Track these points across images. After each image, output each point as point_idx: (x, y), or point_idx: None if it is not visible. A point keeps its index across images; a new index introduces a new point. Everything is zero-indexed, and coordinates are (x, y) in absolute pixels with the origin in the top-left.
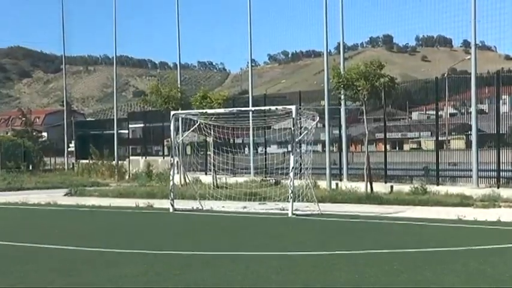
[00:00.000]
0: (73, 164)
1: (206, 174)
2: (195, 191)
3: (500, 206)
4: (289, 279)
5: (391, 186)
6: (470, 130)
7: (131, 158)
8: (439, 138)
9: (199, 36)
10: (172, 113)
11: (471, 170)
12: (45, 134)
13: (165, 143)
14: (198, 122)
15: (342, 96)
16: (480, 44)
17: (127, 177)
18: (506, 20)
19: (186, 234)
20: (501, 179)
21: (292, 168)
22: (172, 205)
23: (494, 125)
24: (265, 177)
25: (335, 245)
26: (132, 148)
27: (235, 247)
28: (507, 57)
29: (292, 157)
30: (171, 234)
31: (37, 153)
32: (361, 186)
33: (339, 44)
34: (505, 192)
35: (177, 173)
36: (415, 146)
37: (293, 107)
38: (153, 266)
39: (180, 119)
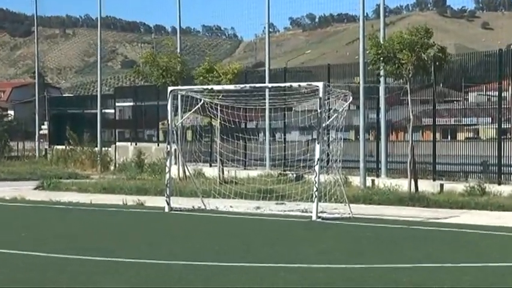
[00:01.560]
0: (46, 150)
1: (211, 166)
2: (196, 186)
3: None
4: None
5: (441, 185)
6: None
7: (118, 144)
8: (502, 126)
9: None
10: (170, 88)
11: None
12: (11, 112)
13: (161, 126)
14: (202, 101)
15: (381, 72)
16: None
17: (112, 167)
18: None
19: (185, 240)
20: None
21: (318, 160)
22: (168, 203)
23: None
24: (284, 170)
25: (370, 257)
26: (119, 132)
27: (245, 256)
28: None
29: (318, 146)
30: (166, 239)
31: (1, 136)
32: (403, 184)
33: (378, 6)
34: None
35: (175, 163)
36: (471, 134)
37: (320, 84)
38: (144, 278)
39: (179, 96)
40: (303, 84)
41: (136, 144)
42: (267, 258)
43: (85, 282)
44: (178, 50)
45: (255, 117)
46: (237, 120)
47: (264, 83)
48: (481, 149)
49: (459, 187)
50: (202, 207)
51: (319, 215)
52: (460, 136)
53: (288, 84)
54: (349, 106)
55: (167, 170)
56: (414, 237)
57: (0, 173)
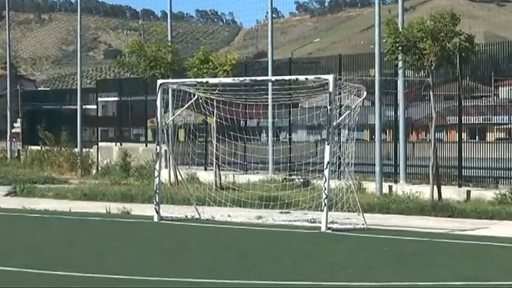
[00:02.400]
0: (19, 151)
1: (206, 169)
2: (189, 193)
3: None
4: None
5: (468, 192)
6: None
7: (101, 144)
8: None
9: None
10: (159, 82)
11: None
12: None
13: (149, 124)
14: (196, 96)
15: (400, 63)
16: None
17: (94, 171)
18: None
19: (176, 254)
20: None
21: (328, 163)
22: (158, 212)
23: None
24: (290, 175)
25: (387, 274)
26: (102, 131)
27: (245, 273)
28: None
29: (327, 148)
30: (155, 253)
31: None
32: (424, 191)
33: None
34: None
35: (165, 167)
36: (502, 135)
37: (330, 77)
38: None
39: (170, 90)
40: (311, 77)
41: (121, 144)
42: (270, 275)
43: None
44: (169, 38)
45: (256, 115)
46: (235, 117)
47: (267, 75)
48: None
49: (488, 194)
50: (196, 216)
51: (329, 225)
52: (490, 136)
53: (293, 77)
54: (363, 102)
55: (156, 174)
56: (437, 252)
57: None
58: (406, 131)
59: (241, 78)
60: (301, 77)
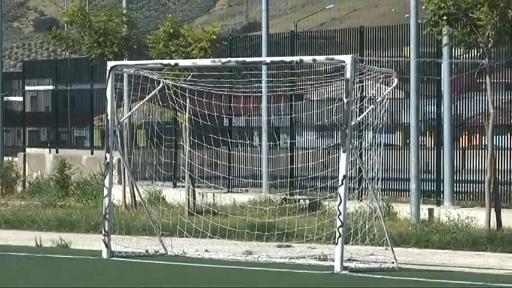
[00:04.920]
0: None
1: (175, 186)
2: (152, 219)
3: None
4: None
5: None
6: None
7: (29, 151)
8: None
9: None
10: (110, 64)
11: None
12: None
13: (97, 123)
14: (162, 84)
15: (445, 39)
16: None
17: (20, 188)
18: None
19: None
20: None
21: (344, 178)
22: (108, 245)
23: None
24: (291, 194)
25: None
26: (32, 132)
27: None
28: None
29: (343, 156)
30: None
31: None
32: (478, 217)
33: None
34: None
35: (118, 182)
36: None
37: (348, 58)
38: None
39: (125, 76)
40: (321, 58)
41: (57, 151)
42: None
43: None
44: (123, 4)
45: (245, 110)
46: (216, 114)
47: (260, 55)
48: None
49: None
50: (162, 251)
51: (345, 264)
52: None
53: (297, 58)
54: (393, 93)
55: (106, 192)
56: None
57: None
58: (453, 134)
59: (224, 60)
60: (308, 58)
